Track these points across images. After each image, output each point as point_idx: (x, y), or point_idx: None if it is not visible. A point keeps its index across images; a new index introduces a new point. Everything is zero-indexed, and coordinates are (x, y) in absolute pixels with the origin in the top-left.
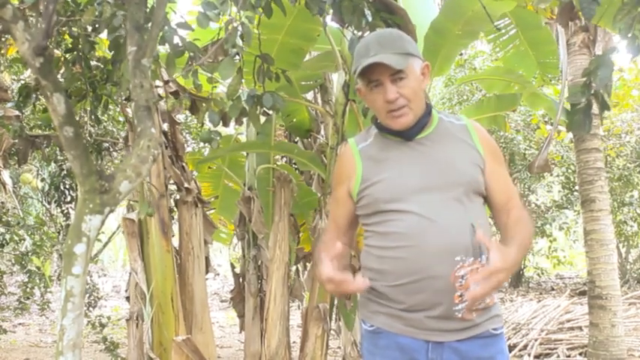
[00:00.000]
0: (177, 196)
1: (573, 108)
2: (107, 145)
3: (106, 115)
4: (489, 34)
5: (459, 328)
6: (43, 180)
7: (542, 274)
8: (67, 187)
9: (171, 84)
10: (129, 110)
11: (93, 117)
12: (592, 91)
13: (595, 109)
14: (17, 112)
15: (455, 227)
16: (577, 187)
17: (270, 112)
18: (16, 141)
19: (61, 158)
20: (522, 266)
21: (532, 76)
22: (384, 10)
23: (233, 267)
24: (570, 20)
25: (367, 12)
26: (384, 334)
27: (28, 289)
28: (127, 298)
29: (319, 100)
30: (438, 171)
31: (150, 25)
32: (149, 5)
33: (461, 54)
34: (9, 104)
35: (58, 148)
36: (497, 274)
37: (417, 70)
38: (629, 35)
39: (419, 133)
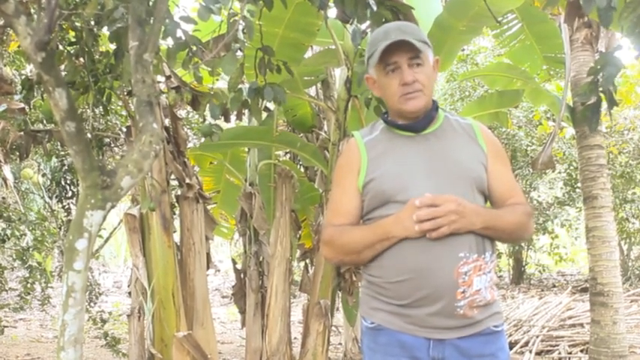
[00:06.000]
0: (179, 192)
1: (582, 105)
2: (109, 140)
3: (108, 109)
4: (494, 29)
5: (461, 325)
6: (44, 175)
7: (544, 270)
8: (69, 182)
9: (173, 79)
10: (131, 105)
11: (96, 110)
12: (600, 89)
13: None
14: (22, 105)
15: None
16: (579, 184)
17: (272, 107)
18: (22, 134)
19: (63, 153)
20: (524, 263)
21: (538, 71)
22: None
23: (234, 263)
24: (579, 18)
25: (371, 2)
26: (385, 331)
27: (29, 285)
28: (129, 294)
29: (321, 96)
30: (445, 165)
31: (152, 19)
32: None
33: (463, 49)
34: (16, 97)
35: (59, 143)
36: (448, 201)
37: (431, 61)
38: (637, 31)
39: (427, 127)
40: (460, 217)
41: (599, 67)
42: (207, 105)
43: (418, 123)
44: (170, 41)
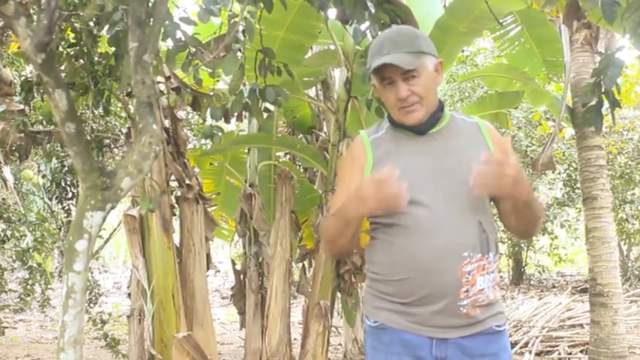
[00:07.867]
0: (179, 193)
1: (584, 106)
2: (108, 141)
3: (108, 110)
4: (494, 32)
5: (463, 324)
6: (44, 176)
7: (544, 271)
8: (69, 183)
9: (172, 80)
10: (131, 106)
11: (96, 111)
12: (603, 90)
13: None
14: (21, 107)
15: (464, 222)
16: (579, 185)
17: (272, 108)
18: (22, 135)
19: (63, 154)
20: (524, 263)
21: (538, 74)
22: (387, 2)
23: (234, 264)
24: (577, 20)
25: (369, 4)
26: (388, 330)
27: (29, 286)
28: (129, 295)
29: (321, 97)
30: (450, 164)
31: (151, 20)
32: (151, 0)
33: (462, 51)
34: (16, 99)
35: (59, 145)
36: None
37: (429, 67)
38: (639, 32)
39: (431, 128)
40: (511, 172)
41: (601, 68)
42: (208, 107)
43: (422, 126)
44: (170, 42)
